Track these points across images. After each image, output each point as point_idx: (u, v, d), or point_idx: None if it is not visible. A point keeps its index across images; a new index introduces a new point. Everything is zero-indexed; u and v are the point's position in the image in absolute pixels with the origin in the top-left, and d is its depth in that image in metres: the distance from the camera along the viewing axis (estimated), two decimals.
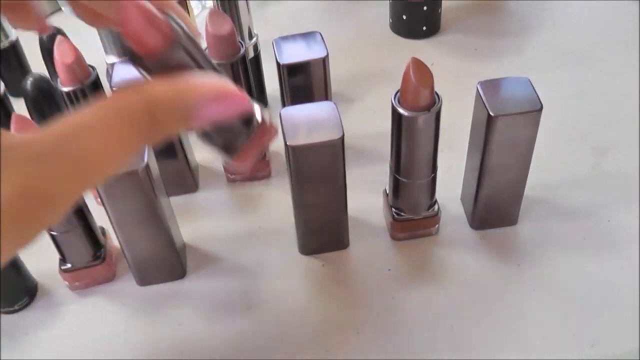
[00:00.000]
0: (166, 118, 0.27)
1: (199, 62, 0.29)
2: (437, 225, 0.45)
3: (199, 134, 0.33)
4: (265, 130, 0.34)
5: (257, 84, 0.55)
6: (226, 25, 0.43)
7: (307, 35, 0.47)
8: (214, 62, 0.30)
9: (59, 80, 0.45)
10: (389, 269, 0.43)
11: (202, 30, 0.44)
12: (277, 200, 0.48)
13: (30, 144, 0.24)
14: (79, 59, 0.44)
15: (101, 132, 0.25)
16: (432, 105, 0.38)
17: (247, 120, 0.32)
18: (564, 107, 0.54)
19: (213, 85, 0.28)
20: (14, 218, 0.23)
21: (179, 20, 0.28)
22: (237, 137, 0.33)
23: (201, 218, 0.45)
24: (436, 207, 0.44)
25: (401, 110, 0.38)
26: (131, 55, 0.28)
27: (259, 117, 0.33)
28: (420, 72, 0.37)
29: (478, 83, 0.40)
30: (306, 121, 0.39)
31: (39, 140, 0.24)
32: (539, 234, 0.45)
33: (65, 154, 0.24)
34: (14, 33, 0.58)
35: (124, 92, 0.26)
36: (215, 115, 0.28)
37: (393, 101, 0.39)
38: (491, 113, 0.38)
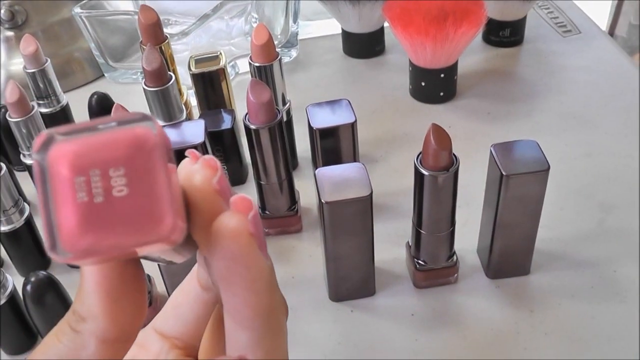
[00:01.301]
0: None
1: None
2: (455, 275, 0.49)
3: None
4: None
5: (290, 147, 0.59)
6: (266, 94, 0.48)
7: (336, 102, 0.52)
8: None
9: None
10: (412, 314, 0.47)
11: (243, 92, 0.48)
12: (308, 252, 0.53)
13: None
14: None
15: None
16: (451, 166, 0.43)
17: None
18: (572, 166, 0.58)
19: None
20: None
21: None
22: None
23: None
24: (455, 257, 0.48)
25: (423, 171, 0.43)
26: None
27: None
28: (439, 136, 0.42)
29: (491, 146, 0.45)
30: (338, 180, 0.43)
31: None
32: (549, 283, 0.49)
33: None
34: (64, 98, 0.64)
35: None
36: None
37: (416, 162, 0.43)
38: (504, 172, 0.43)
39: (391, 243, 0.52)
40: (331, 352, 0.46)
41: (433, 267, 0.48)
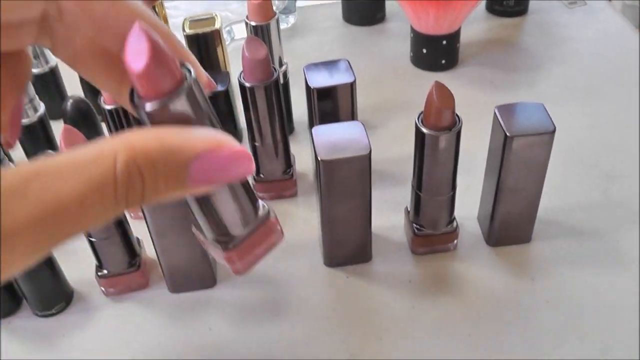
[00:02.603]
0: (155, 176, 0.23)
1: (202, 118, 0.25)
2: (455, 241, 0.47)
3: (194, 225, 0.30)
4: (272, 229, 0.30)
5: (285, 110, 0.58)
6: (262, 51, 0.46)
7: (335, 63, 0.50)
8: (219, 123, 0.27)
9: (102, 98, 0.48)
10: (410, 281, 0.46)
11: (239, 57, 0.47)
12: (303, 218, 0.51)
13: (3, 177, 0.21)
14: None
15: (78, 179, 0.22)
16: (453, 126, 0.41)
17: (251, 201, 0.29)
18: (576, 136, 0.57)
19: (212, 139, 0.24)
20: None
21: (192, 70, 0.25)
22: (235, 226, 0.29)
23: None
24: (454, 223, 0.47)
25: (424, 130, 0.41)
26: (131, 93, 0.25)
27: (262, 209, 0.29)
28: (442, 94, 0.40)
29: (495, 107, 0.43)
30: (336, 139, 0.41)
31: (12, 175, 0.22)
32: (551, 252, 0.47)
33: (34, 195, 0.22)
34: (53, 59, 0.62)
35: (107, 140, 0.23)
36: (213, 174, 0.25)
37: (417, 121, 0.42)
38: (508, 134, 0.41)
39: (389, 210, 0.50)
40: (325, 318, 0.44)
41: (432, 232, 0.46)
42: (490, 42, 0.70)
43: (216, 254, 0.30)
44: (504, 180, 0.44)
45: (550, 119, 0.42)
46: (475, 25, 0.72)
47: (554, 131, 0.41)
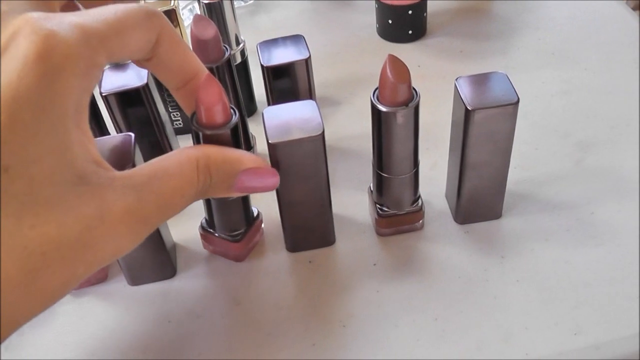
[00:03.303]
0: (218, 178, 0.35)
1: (238, 145, 0.38)
2: (421, 221, 0.46)
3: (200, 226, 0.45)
4: (259, 226, 0.46)
5: (246, 90, 0.56)
6: (210, 30, 0.44)
7: (291, 39, 0.48)
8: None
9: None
10: (375, 264, 0.44)
11: (189, 36, 0.45)
12: (263, 200, 0.49)
13: (131, 177, 0.31)
14: None
15: (177, 176, 0.33)
16: (410, 101, 0.39)
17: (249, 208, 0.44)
18: (549, 104, 0.55)
19: (255, 160, 0.37)
20: (116, 231, 0.29)
21: (237, 111, 0.38)
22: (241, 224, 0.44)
23: (191, 219, 0.46)
24: (420, 202, 0.45)
25: (380, 107, 0.39)
26: (196, 121, 0.37)
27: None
28: (397, 68, 0.38)
29: (456, 79, 0.41)
30: (288, 119, 0.39)
31: (138, 175, 0.31)
32: (523, 227, 0.46)
33: (155, 189, 0.31)
34: None
35: (190, 147, 0.35)
36: (252, 186, 0.36)
37: (372, 98, 0.39)
38: (469, 107, 0.39)
39: (354, 189, 0.49)
40: (287, 305, 0.42)
41: (396, 212, 0.44)
42: (460, 10, 0.68)
43: (222, 246, 0.45)
44: (467, 155, 0.42)
45: (514, 89, 0.40)
46: None
47: (517, 102, 0.39)
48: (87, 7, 0.34)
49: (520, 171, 0.49)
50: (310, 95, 0.47)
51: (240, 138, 0.38)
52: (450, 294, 0.42)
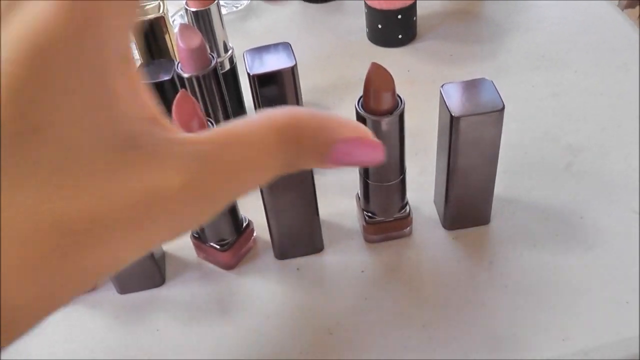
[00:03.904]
0: (308, 146, 0.27)
1: None
2: (409, 227, 0.45)
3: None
4: (251, 234, 0.44)
5: (235, 96, 0.56)
6: (196, 39, 0.44)
7: (277, 46, 0.48)
8: None
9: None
10: (363, 271, 0.44)
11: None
12: (252, 208, 0.49)
13: (196, 143, 0.24)
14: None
15: (255, 145, 0.26)
16: (395, 109, 0.39)
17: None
18: (538, 108, 0.55)
19: (356, 128, 0.29)
20: (172, 209, 0.24)
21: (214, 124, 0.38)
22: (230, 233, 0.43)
23: None
24: (407, 208, 0.45)
25: (364, 115, 0.39)
26: None
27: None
28: (380, 76, 0.38)
29: (441, 86, 0.41)
30: None
31: (204, 141, 0.25)
32: (511, 232, 0.45)
33: (225, 159, 0.25)
34: None
35: (274, 111, 0.27)
36: (349, 158, 0.29)
37: (357, 106, 0.39)
38: (453, 114, 0.39)
39: (342, 196, 0.49)
40: (274, 313, 0.42)
41: (384, 219, 0.44)
42: (450, 13, 0.68)
43: (213, 254, 0.45)
44: (454, 162, 0.42)
45: (499, 95, 0.40)
46: None
47: (502, 109, 0.39)
48: None
49: (509, 176, 0.49)
50: (297, 103, 0.47)
51: None
52: (438, 300, 0.42)
